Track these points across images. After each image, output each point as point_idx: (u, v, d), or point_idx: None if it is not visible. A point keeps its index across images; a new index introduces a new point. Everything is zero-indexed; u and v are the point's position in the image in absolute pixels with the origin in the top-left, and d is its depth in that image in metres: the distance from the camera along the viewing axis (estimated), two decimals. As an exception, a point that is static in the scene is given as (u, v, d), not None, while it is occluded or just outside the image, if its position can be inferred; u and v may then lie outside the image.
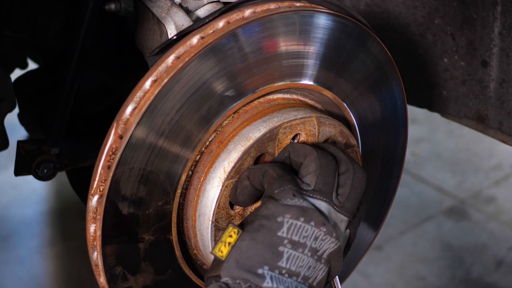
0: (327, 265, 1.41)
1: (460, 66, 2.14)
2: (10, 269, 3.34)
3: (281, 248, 1.35)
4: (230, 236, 1.37)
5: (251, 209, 1.52)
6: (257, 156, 1.49)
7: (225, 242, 1.36)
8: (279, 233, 1.36)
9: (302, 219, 1.37)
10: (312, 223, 1.37)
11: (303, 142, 1.54)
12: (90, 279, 3.23)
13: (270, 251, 1.35)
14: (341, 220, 1.44)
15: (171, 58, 1.43)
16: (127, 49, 2.00)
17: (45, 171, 1.96)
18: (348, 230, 1.48)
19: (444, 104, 2.23)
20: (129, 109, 1.41)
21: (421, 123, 4.54)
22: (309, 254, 1.37)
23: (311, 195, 1.40)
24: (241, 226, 1.40)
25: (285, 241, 1.36)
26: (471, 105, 2.16)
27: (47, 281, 3.35)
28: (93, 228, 1.45)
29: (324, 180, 1.42)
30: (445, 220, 3.74)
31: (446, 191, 3.97)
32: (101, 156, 1.42)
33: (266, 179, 1.42)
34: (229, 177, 1.46)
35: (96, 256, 1.47)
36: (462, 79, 2.15)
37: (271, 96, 1.57)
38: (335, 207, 1.42)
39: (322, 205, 1.41)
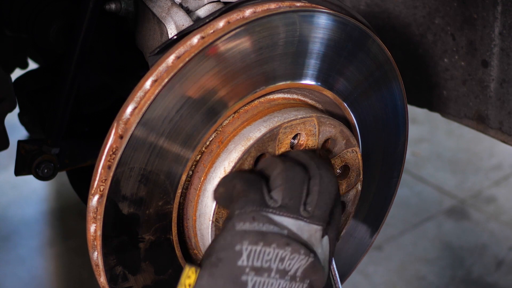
0: (305, 281, 1.36)
1: (460, 66, 2.14)
2: (10, 269, 3.34)
3: (244, 278, 1.31)
4: (189, 276, 1.32)
5: None
6: (257, 156, 1.49)
7: (184, 284, 1.32)
8: (239, 263, 1.31)
9: (261, 244, 1.32)
10: (274, 245, 1.33)
11: (304, 146, 1.54)
12: (90, 279, 3.23)
13: (231, 283, 1.31)
14: (315, 230, 1.39)
15: (171, 58, 1.43)
16: (127, 49, 2.00)
17: (45, 171, 1.96)
18: (326, 237, 1.43)
19: (444, 104, 2.23)
20: (129, 109, 1.41)
21: (421, 123, 4.54)
22: (277, 276, 1.33)
23: (277, 212, 1.36)
24: (201, 262, 1.35)
25: (247, 270, 1.31)
26: (471, 105, 2.16)
27: (48, 281, 3.35)
28: (94, 228, 1.45)
29: (291, 194, 1.37)
30: (445, 220, 3.73)
31: (446, 191, 3.97)
32: (102, 156, 1.42)
33: (234, 194, 1.38)
34: None
35: (96, 256, 1.47)
36: (462, 79, 2.15)
37: (271, 96, 1.57)
38: (304, 219, 1.38)
39: (290, 222, 1.36)
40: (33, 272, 3.34)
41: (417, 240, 3.59)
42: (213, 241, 1.36)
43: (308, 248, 1.38)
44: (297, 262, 1.35)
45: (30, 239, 3.54)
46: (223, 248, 1.33)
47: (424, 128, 4.54)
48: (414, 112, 2.27)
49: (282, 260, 1.34)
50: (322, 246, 1.42)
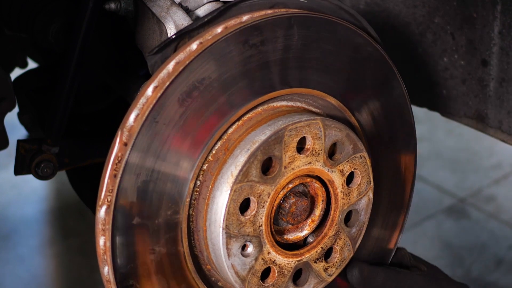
0: None
1: (460, 65, 2.14)
2: (10, 268, 3.34)
3: None
4: None
5: (262, 216, 1.50)
6: (264, 160, 1.47)
7: None
8: None
9: None
10: None
11: (311, 150, 1.52)
12: (90, 278, 3.23)
13: None
14: None
15: (171, 64, 1.43)
16: (127, 48, 1.99)
17: (45, 170, 1.96)
18: None
19: (444, 103, 2.23)
20: (132, 116, 1.41)
21: (421, 122, 4.54)
22: None
23: None
24: None
25: None
26: (471, 104, 2.15)
27: (47, 280, 3.35)
28: (103, 241, 1.43)
29: None
30: (445, 219, 3.73)
31: (446, 190, 3.97)
32: (107, 166, 1.40)
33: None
34: (237, 181, 1.44)
35: (107, 270, 1.44)
36: (462, 78, 2.15)
37: (274, 104, 1.56)
38: None
39: None
40: (33, 271, 3.34)
41: (416, 239, 3.59)
42: None
43: None
44: None
45: (29, 238, 3.54)
46: None
47: (424, 127, 4.54)
48: (414, 111, 2.27)
49: None
50: None
